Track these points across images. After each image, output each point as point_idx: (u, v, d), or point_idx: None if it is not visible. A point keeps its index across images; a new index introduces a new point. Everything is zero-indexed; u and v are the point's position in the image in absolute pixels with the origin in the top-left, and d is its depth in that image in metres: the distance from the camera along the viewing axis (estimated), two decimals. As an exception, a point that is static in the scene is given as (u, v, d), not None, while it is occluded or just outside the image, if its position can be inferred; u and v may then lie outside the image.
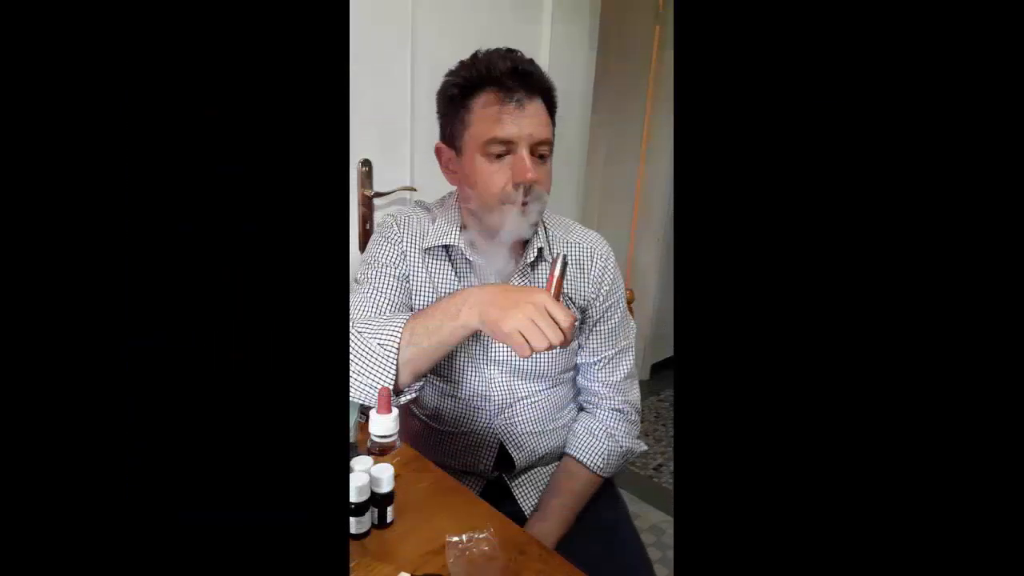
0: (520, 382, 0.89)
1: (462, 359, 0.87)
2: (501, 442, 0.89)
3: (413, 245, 0.86)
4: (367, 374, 0.73)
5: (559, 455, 0.94)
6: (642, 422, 1.02)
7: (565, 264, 0.71)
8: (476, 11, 1.41)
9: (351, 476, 0.62)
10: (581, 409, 0.98)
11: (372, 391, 0.73)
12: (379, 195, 1.34)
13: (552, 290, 0.69)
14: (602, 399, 0.94)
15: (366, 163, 1.30)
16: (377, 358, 0.73)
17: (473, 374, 0.88)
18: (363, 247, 1.32)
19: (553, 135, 0.81)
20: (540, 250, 0.86)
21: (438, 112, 0.84)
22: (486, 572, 0.59)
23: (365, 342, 0.74)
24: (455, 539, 0.61)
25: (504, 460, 0.90)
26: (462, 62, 0.81)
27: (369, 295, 0.82)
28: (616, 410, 0.93)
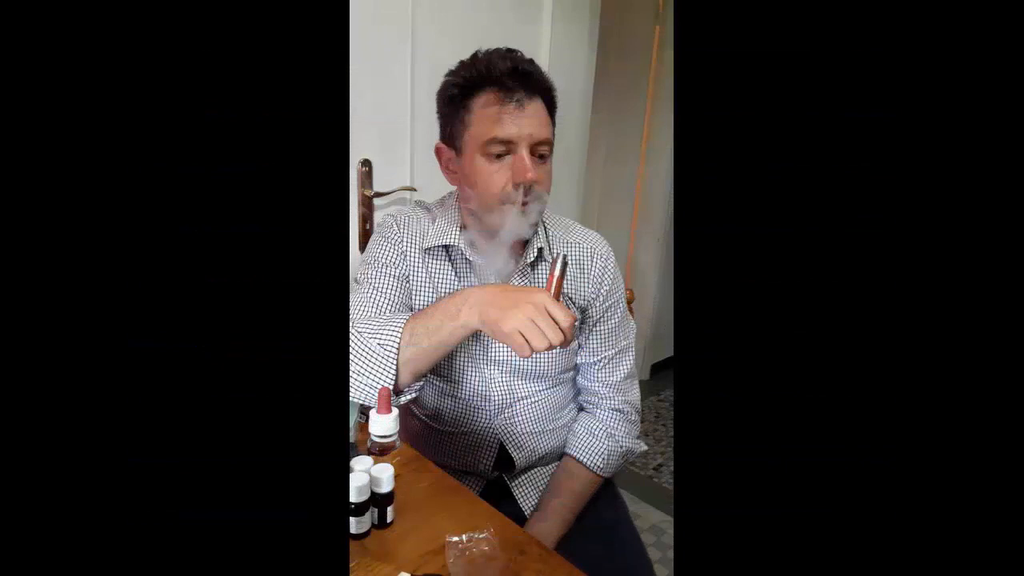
0: (520, 382, 0.89)
1: (462, 359, 0.87)
2: (501, 442, 0.89)
3: (413, 245, 0.86)
4: (367, 374, 0.73)
5: (559, 455, 0.94)
6: (642, 422, 1.02)
7: (565, 264, 0.71)
8: (476, 11, 1.41)
9: (351, 476, 0.62)
10: (581, 409, 0.98)
11: (372, 391, 0.73)
12: (379, 195, 1.34)
13: (552, 290, 0.69)
14: (602, 399, 0.94)
15: (366, 163, 1.30)
16: (377, 358, 0.73)
17: (473, 374, 0.88)
18: (363, 247, 1.32)
19: (553, 135, 0.81)
20: (540, 250, 0.86)
21: (438, 112, 0.84)
22: (486, 572, 0.59)
23: (365, 342, 0.74)
24: (455, 539, 0.61)
25: (504, 460, 0.90)
26: (462, 62, 0.81)
27: (369, 295, 0.82)
28: (616, 410, 0.93)
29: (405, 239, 0.86)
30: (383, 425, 0.69)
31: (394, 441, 0.70)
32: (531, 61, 0.79)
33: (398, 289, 0.84)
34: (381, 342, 0.74)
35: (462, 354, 0.87)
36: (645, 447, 0.98)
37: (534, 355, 0.68)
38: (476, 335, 0.83)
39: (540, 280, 0.87)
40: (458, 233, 0.85)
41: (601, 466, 0.90)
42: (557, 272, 0.70)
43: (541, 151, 0.79)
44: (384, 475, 0.63)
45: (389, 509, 0.65)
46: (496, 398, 0.88)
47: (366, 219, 1.33)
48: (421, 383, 0.84)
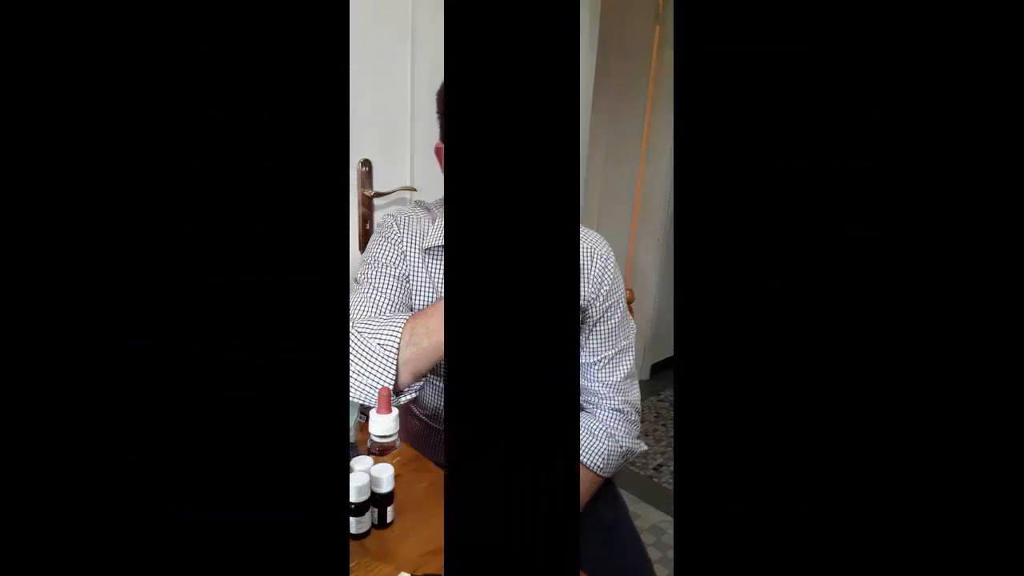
0: (520, 382, 0.89)
1: (462, 359, 0.87)
2: (501, 442, 0.89)
3: (413, 245, 0.86)
4: (367, 374, 0.73)
5: (559, 455, 0.94)
6: (642, 422, 1.02)
7: (565, 264, 0.71)
8: (476, 11, 1.41)
9: (351, 476, 0.62)
10: (581, 409, 0.98)
11: (372, 391, 0.73)
12: (379, 195, 1.34)
13: (552, 290, 0.69)
14: (602, 399, 0.94)
15: (366, 163, 1.30)
16: (377, 358, 0.73)
17: (473, 374, 0.87)
18: (363, 247, 1.32)
19: (553, 135, 0.81)
20: (540, 250, 0.86)
21: (438, 112, 0.84)
22: (486, 572, 0.59)
23: (365, 342, 0.74)
24: (455, 539, 0.61)
25: (504, 460, 0.90)
26: (462, 62, 0.81)
27: (369, 295, 0.82)
28: (616, 410, 0.93)
29: (405, 239, 0.86)
30: (383, 425, 0.69)
31: (394, 441, 0.70)
32: (531, 61, 0.79)
33: (398, 289, 0.84)
34: (381, 342, 0.74)
35: (462, 354, 0.87)
36: (645, 447, 0.98)
37: (534, 355, 0.68)
38: (476, 335, 0.83)
39: (540, 280, 0.87)
40: (458, 233, 0.85)
41: (601, 466, 0.90)
42: (557, 272, 0.70)
43: (541, 151, 0.79)
44: (384, 475, 0.63)
45: (389, 509, 0.65)
46: (496, 398, 0.88)
47: (366, 219, 1.33)
48: (421, 383, 0.84)
